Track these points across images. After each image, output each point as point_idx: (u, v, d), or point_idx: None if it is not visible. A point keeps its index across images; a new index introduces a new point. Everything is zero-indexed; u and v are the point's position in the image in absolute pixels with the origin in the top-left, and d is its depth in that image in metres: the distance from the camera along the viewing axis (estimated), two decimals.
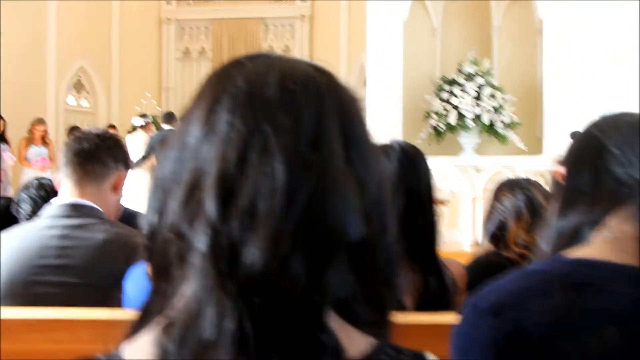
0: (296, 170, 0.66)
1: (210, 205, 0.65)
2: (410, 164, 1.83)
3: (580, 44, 7.58)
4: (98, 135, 2.23)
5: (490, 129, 8.58)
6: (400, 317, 1.58)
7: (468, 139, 8.78)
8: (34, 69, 10.79)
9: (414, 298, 1.73)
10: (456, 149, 8.85)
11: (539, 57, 8.86)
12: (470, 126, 8.56)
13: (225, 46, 12.61)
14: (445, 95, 8.69)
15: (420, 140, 8.77)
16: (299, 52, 12.54)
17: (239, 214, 0.64)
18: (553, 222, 1.04)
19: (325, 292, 0.65)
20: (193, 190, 0.67)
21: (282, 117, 0.68)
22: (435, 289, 1.73)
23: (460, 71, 8.81)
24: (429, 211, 1.87)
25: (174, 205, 0.68)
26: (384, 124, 8.73)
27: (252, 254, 0.63)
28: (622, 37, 6.29)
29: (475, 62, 8.80)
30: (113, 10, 12.26)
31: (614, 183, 0.97)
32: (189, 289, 0.65)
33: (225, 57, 12.48)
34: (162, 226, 0.69)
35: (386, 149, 1.84)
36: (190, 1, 12.88)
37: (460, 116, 8.58)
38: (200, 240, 0.65)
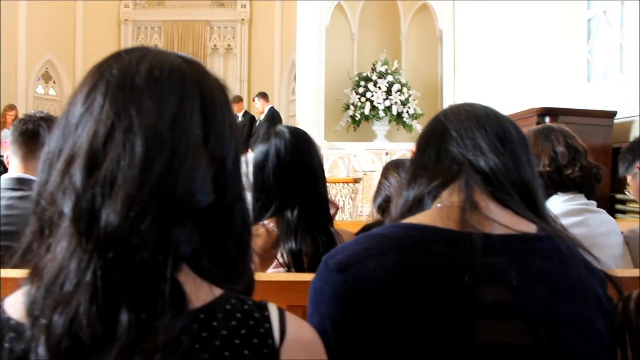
0: (153, 146, 0.66)
1: (77, 175, 0.65)
2: (302, 145, 1.82)
3: (472, 49, 7.73)
4: (42, 118, 2.18)
5: (398, 118, 8.69)
6: (283, 276, 1.61)
7: (380, 127, 8.87)
8: (6, 61, 10.37)
9: (309, 259, 1.72)
10: (370, 136, 8.94)
11: (440, 60, 9.02)
12: (382, 116, 8.65)
13: (176, 45, 12.34)
14: (361, 90, 8.75)
15: (339, 127, 8.83)
16: (240, 50, 12.38)
17: (100, 183, 0.64)
18: (402, 193, 1.05)
19: (171, 249, 0.65)
20: (69, 163, 0.67)
21: (147, 101, 0.68)
22: (323, 252, 1.73)
23: (373, 70, 8.88)
24: (322, 184, 1.85)
25: (55, 176, 0.68)
26: (310, 113, 8.75)
27: (108, 216, 0.63)
28: (508, 43, 6.45)
29: (386, 63, 8.88)
30: (77, 10, 11.87)
31: (451, 161, 0.99)
32: (57, 247, 0.65)
33: None
34: (43, 194, 0.69)
35: (277, 133, 1.82)
36: (145, 4, 12.53)
37: (373, 108, 8.65)
38: (67, 205, 0.65)
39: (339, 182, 7.01)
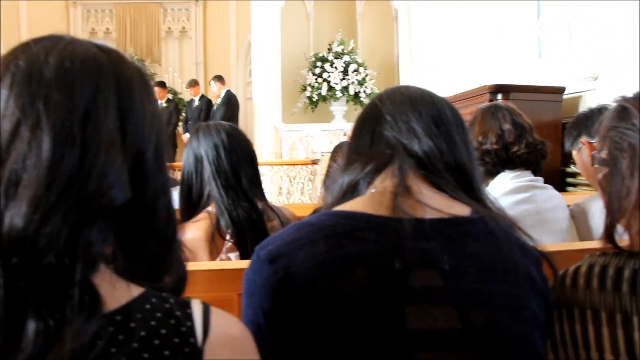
0: (62, 143, 0.62)
1: None
2: (234, 135, 1.90)
3: (428, 28, 7.76)
4: None
5: (356, 98, 8.70)
6: (232, 264, 1.61)
7: (337, 108, 8.87)
8: None
9: (250, 234, 1.77)
10: (328, 116, 8.93)
11: (395, 39, 9.04)
12: (339, 96, 8.65)
13: (129, 28, 12.08)
14: (317, 71, 8.72)
15: (297, 109, 8.80)
16: (194, 33, 12.19)
17: (3, 184, 0.61)
18: (337, 178, 1.04)
19: (80, 250, 0.62)
20: None
21: (56, 94, 0.64)
22: (258, 219, 1.81)
23: (330, 50, 8.85)
24: (255, 167, 1.92)
25: None
26: (267, 95, 8.70)
27: (12, 219, 0.59)
28: (463, 22, 6.49)
29: (342, 43, 8.86)
30: None
31: (385, 145, 0.98)
32: None
33: (129, 37, 12.06)
34: None
35: (216, 127, 1.90)
36: None
37: (330, 88, 8.64)
38: None
39: (297, 164, 7.00)
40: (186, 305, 0.69)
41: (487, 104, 2.24)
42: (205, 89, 10.11)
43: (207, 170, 1.85)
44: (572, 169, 2.41)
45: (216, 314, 0.71)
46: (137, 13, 12.14)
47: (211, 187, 1.83)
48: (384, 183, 0.95)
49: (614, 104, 1.10)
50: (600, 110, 2.07)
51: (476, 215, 0.94)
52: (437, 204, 0.92)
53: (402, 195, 0.90)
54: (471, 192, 0.98)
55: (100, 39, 12.06)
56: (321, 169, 7.36)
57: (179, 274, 0.76)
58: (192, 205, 1.88)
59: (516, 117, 2.09)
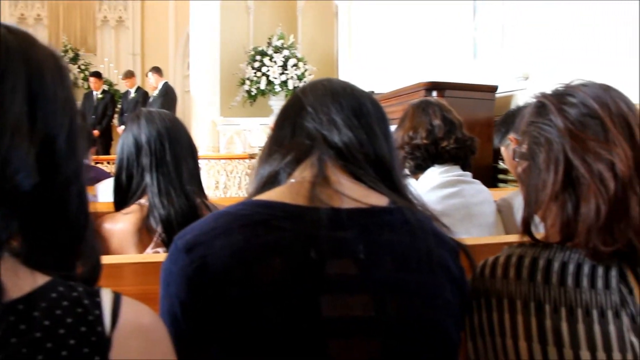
0: None
1: None
2: (177, 126, 1.83)
3: (368, 25, 7.83)
4: None
5: None
6: (160, 257, 1.58)
7: (276, 102, 8.86)
8: None
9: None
10: (266, 111, 8.89)
11: (335, 34, 9.08)
12: (278, 91, 8.64)
13: (62, 16, 11.69)
14: (256, 65, 8.69)
15: (235, 102, 8.74)
16: (132, 23, 11.92)
17: None
18: (258, 169, 1.04)
19: None
20: None
21: None
22: (189, 214, 1.74)
23: (269, 44, 8.83)
24: (196, 161, 1.86)
25: None
26: (205, 88, 8.60)
27: None
28: (402, 19, 6.58)
29: (282, 37, 8.86)
30: None
31: (305, 136, 0.98)
32: None
33: (62, 25, 11.68)
34: None
35: (160, 115, 1.82)
36: None
37: (269, 82, 8.62)
38: None
39: (235, 159, 6.94)
40: (95, 294, 0.67)
41: (418, 99, 2.27)
42: (142, 81, 9.91)
43: (146, 160, 1.76)
44: (502, 165, 2.48)
45: (127, 303, 0.69)
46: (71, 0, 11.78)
47: (149, 178, 1.75)
48: (303, 173, 0.95)
49: (534, 100, 1.13)
50: (522, 108, 2.14)
51: (393, 205, 0.94)
52: (354, 194, 0.92)
53: (320, 185, 0.90)
54: (390, 183, 0.99)
55: (30, 26, 11.68)
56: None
57: (91, 264, 0.74)
58: (126, 194, 1.79)
59: (446, 113, 2.13)
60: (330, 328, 0.81)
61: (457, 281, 0.96)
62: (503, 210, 2.24)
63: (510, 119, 2.30)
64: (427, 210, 1.00)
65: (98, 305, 0.66)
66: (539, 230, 1.12)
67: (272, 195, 0.93)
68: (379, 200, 0.94)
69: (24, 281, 0.64)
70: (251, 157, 6.89)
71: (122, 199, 1.79)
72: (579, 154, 1.01)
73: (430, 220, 0.98)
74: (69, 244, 0.71)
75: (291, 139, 1.00)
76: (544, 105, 1.09)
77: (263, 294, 0.81)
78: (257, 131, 7.63)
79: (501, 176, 4.37)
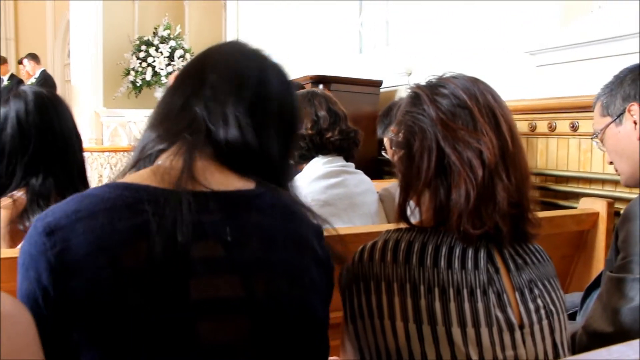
0: None
1: None
2: (47, 106, 1.66)
3: (256, 16, 7.79)
4: None
5: None
6: None
7: (162, 94, 8.62)
8: None
9: None
10: (152, 102, 8.64)
11: (224, 26, 8.97)
12: (164, 82, 8.42)
13: None
14: (142, 55, 8.42)
15: (119, 93, 8.44)
16: (3, 5, 11.15)
17: None
18: (143, 134, 1.00)
19: None
20: None
21: None
22: None
23: (155, 34, 8.59)
24: (74, 147, 1.72)
25: None
26: (87, 78, 8.23)
27: None
28: (290, 12, 6.60)
29: (168, 27, 8.64)
30: None
31: (191, 120, 0.95)
32: None
33: None
34: None
35: (18, 94, 1.66)
36: None
37: (156, 73, 8.39)
38: None
39: (119, 151, 6.70)
40: None
41: (304, 90, 2.29)
42: (16, 68, 9.31)
43: (30, 149, 1.60)
44: (385, 156, 2.56)
45: None
46: None
47: (33, 170, 1.60)
48: (174, 157, 0.92)
49: (408, 91, 1.18)
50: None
51: (260, 189, 0.94)
52: (222, 179, 0.92)
53: (187, 170, 0.88)
54: (274, 181, 0.98)
55: None
56: None
57: None
58: (3, 185, 1.61)
59: (332, 105, 2.17)
60: (199, 310, 0.81)
61: (322, 262, 0.97)
62: (385, 199, 2.32)
63: (392, 111, 2.38)
64: (297, 198, 1.01)
65: None
66: (416, 217, 1.17)
67: (137, 178, 0.89)
68: (246, 185, 0.94)
69: None
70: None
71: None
72: (450, 142, 1.07)
73: (296, 203, 0.99)
74: None
75: (177, 115, 0.96)
76: (418, 96, 1.14)
77: (128, 279, 0.78)
78: (142, 123, 7.39)
79: (386, 168, 4.51)
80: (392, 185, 2.36)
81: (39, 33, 10.87)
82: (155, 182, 0.87)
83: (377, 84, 4.76)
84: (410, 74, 4.71)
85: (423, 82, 1.18)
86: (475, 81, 1.15)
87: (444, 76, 1.17)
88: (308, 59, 5.99)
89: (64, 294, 0.78)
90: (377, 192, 2.31)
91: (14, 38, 11.20)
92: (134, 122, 7.54)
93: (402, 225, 1.14)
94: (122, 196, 0.84)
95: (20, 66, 8.57)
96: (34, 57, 8.19)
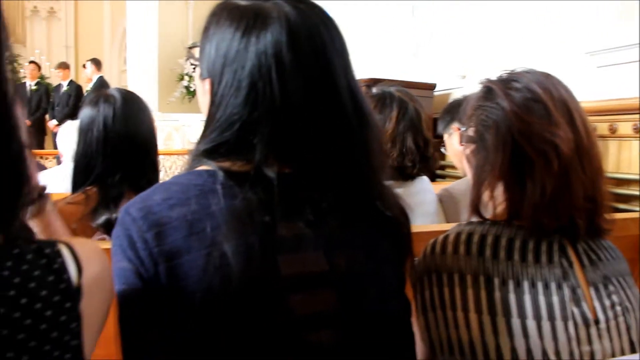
0: None
1: None
2: (132, 112, 1.73)
3: None
4: None
5: None
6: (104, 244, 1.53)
7: None
8: None
9: None
10: None
11: None
12: None
13: None
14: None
15: (174, 98, 8.61)
16: (64, 14, 11.56)
17: None
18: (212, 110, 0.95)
19: None
20: None
21: None
22: None
23: None
24: (151, 153, 1.79)
25: None
26: (143, 84, 8.43)
27: None
28: (346, 16, 6.64)
29: None
30: None
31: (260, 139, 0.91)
32: None
33: None
34: None
35: (107, 98, 1.73)
36: None
37: None
38: None
39: (173, 154, 6.84)
40: (51, 244, 0.67)
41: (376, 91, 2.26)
42: (76, 75, 9.62)
43: (112, 152, 1.66)
44: (443, 151, 2.55)
45: (82, 251, 0.69)
46: None
47: (111, 170, 1.64)
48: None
49: (480, 86, 1.18)
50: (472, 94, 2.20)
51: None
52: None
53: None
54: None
55: None
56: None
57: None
58: (79, 182, 1.68)
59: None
60: (289, 284, 0.85)
61: (391, 234, 0.99)
62: (444, 200, 2.30)
63: (455, 108, 2.36)
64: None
65: (59, 254, 0.66)
66: (487, 211, 1.17)
67: (219, 164, 0.90)
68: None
69: None
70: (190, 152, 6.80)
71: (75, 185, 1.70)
72: (525, 135, 1.07)
73: None
74: (15, 205, 0.67)
75: (248, 114, 0.89)
76: (491, 90, 1.14)
77: (222, 259, 0.81)
78: (196, 127, 7.53)
79: (439, 172, 4.49)
80: (452, 185, 2.35)
81: (97, 41, 11.22)
82: (237, 166, 0.89)
83: (431, 87, 4.74)
84: (464, 77, 4.67)
85: (494, 77, 1.18)
86: (547, 76, 1.15)
87: (516, 70, 1.17)
88: (362, 61, 6.01)
89: (161, 276, 0.81)
90: (436, 194, 2.30)
91: (74, 46, 11.58)
92: (188, 126, 7.68)
93: (474, 219, 1.14)
94: (208, 181, 0.87)
95: (79, 71, 8.85)
96: (96, 62, 8.44)
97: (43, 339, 0.61)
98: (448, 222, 2.24)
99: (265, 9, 0.89)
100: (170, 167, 6.80)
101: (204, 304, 0.81)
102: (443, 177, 4.47)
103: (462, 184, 2.34)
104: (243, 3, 0.92)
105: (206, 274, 0.81)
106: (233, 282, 0.81)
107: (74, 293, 0.65)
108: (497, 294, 1.03)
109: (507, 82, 1.14)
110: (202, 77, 0.96)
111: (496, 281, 1.04)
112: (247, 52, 0.88)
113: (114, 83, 9.55)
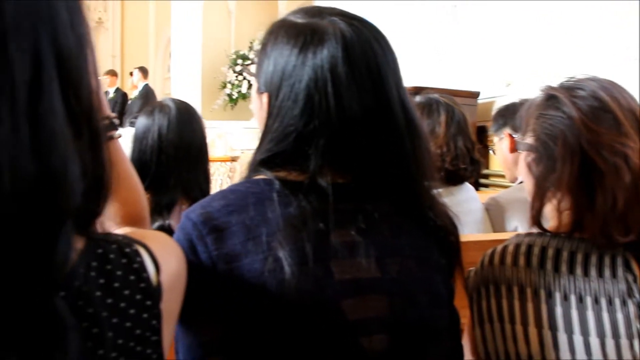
0: None
1: None
2: (186, 122, 1.77)
3: None
4: None
5: None
6: None
7: None
8: None
9: None
10: (247, 114, 8.85)
11: None
12: None
13: None
14: (238, 68, 8.66)
15: (216, 106, 8.70)
16: (111, 24, 11.82)
17: None
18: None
19: None
20: None
21: None
22: None
23: (251, 48, 8.81)
24: (203, 162, 1.83)
25: None
26: (186, 91, 8.54)
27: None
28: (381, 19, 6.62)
29: None
30: None
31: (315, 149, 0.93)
32: None
33: None
34: None
35: (162, 107, 1.77)
36: None
37: (251, 86, 8.58)
38: None
39: (216, 161, 6.90)
40: (129, 243, 0.68)
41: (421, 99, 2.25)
42: (121, 83, 9.80)
43: (165, 160, 1.68)
44: (490, 152, 2.51)
45: (157, 249, 0.70)
46: None
47: (163, 179, 1.66)
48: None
49: (541, 93, 1.14)
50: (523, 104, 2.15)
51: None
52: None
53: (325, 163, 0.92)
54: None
55: None
56: (240, 166, 7.28)
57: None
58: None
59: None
60: (342, 289, 0.86)
61: (441, 242, 0.99)
62: (491, 209, 2.26)
63: (510, 112, 2.30)
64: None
65: (137, 253, 0.67)
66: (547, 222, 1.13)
67: (271, 173, 0.93)
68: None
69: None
70: (233, 159, 6.86)
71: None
72: (594, 146, 1.02)
73: None
74: (97, 205, 0.67)
75: (303, 125, 0.91)
76: (555, 98, 1.09)
77: (277, 264, 0.83)
78: (239, 134, 7.59)
79: (483, 181, 4.42)
80: (498, 194, 2.30)
81: (142, 49, 11.41)
82: (292, 176, 0.91)
83: (474, 95, 4.67)
84: (509, 85, 4.59)
85: (555, 84, 1.14)
86: (612, 83, 1.10)
87: (579, 77, 1.12)
88: (404, 70, 5.97)
89: (219, 278, 0.84)
90: (483, 203, 2.25)
91: (120, 55, 11.82)
92: (231, 133, 7.74)
93: (534, 230, 1.10)
94: (265, 190, 0.89)
95: (125, 79, 8.98)
96: (143, 70, 8.56)
97: (128, 336, 0.63)
98: (495, 231, 2.20)
99: (321, 26, 0.92)
100: (213, 174, 6.85)
101: (259, 307, 0.83)
102: (486, 186, 4.39)
103: (509, 193, 2.29)
104: (300, 21, 0.95)
105: (262, 278, 0.83)
106: (287, 286, 0.83)
107: (154, 292, 0.66)
108: (559, 309, 0.99)
109: (571, 89, 1.10)
110: (260, 92, 0.99)
111: (558, 295, 1.00)
112: (304, 66, 0.90)
113: (157, 90, 9.70)
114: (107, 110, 0.88)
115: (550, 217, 1.10)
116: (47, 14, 0.56)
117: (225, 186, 6.50)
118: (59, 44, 0.57)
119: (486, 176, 4.38)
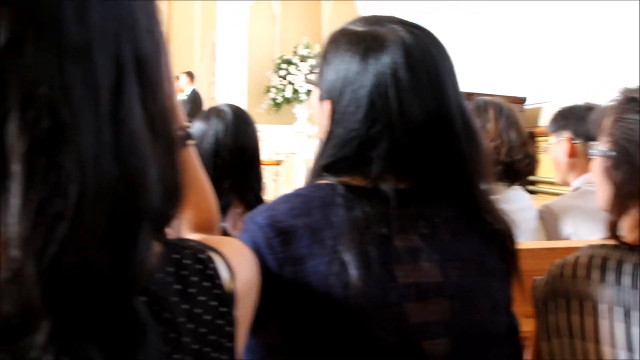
0: None
1: None
2: (242, 128, 1.79)
3: None
4: None
5: None
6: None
7: (301, 110, 8.84)
8: None
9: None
10: (291, 118, 8.90)
11: None
12: (303, 99, 8.63)
13: None
14: (283, 73, 8.70)
15: (261, 110, 8.75)
16: None
17: None
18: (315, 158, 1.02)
19: None
20: None
21: None
22: None
23: (295, 53, 8.85)
24: (257, 167, 1.84)
25: None
26: (231, 95, 8.61)
27: None
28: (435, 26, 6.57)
29: (307, 46, 8.87)
30: None
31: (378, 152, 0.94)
32: None
33: None
34: None
35: (219, 113, 1.79)
36: None
37: (295, 91, 8.62)
38: None
39: (261, 164, 6.93)
40: (202, 250, 0.67)
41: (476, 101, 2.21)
42: None
43: (220, 164, 1.70)
44: (543, 151, 2.46)
45: (232, 257, 0.69)
46: None
47: (218, 183, 1.61)
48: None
49: (618, 96, 1.08)
50: (589, 109, 2.07)
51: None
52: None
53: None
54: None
55: None
56: (284, 169, 7.31)
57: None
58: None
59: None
60: (405, 293, 0.87)
61: (500, 247, 0.98)
62: (545, 217, 2.20)
63: (573, 115, 2.23)
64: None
65: (211, 259, 0.66)
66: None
67: (334, 178, 0.94)
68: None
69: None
70: (277, 163, 6.89)
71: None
72: None
73: None
74: (172, 211, 0.66)
75: (366, 130, 0.92)
76: (636, 100, 1.03)
77: (342, 267, 0.84)
78: (283, 138, 7.62)
79: (530, 187, 4.32)
80: (552, 202, 2.24)
81: (188, 53, 11.55)
82: (355, 181, 0.92)
83: (521, 100, 4.58)
84: (556, 90, 4.49)
85: (633, 87, 1.08)
86: None
87: None
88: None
89: (285, 280, 0.85)
90: (536, 210, 2.20)
91: None
92: (275, 137, 7.77)
93: (608, 242, 1.04)
94: (329, 194, 0.90)
95: (176, 81, 9.04)
96: (190, 75, 8.64)
97: (204, 342, 0.62)
98: (548, 239, 2.14)
99: (382, 34, 0.94)
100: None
101: (324, 309, 0.84)
102: (534, 192, 4.29)
103: (562, 201, 2.24)
104: (360, 29, 0.97)
105: (327, 280, 0.84)
106: (352, 288, 0.83)
107: (228, 298, 0.66)
108: (635, 329, 0.94)
109: None
110: (322, 99, 1.00)
111: (636, 315, 0.94)
112: (366, 72, 0.92)
113: (203, 94, 9.80)
114: (183, 117, 0.89)
115: (627, 229, 1.04)
116: (128, 20, 0.56)
117: (270, 189, 6.53)
118: (138, 50, 0.57)
119: (533, 183, 4.28)
